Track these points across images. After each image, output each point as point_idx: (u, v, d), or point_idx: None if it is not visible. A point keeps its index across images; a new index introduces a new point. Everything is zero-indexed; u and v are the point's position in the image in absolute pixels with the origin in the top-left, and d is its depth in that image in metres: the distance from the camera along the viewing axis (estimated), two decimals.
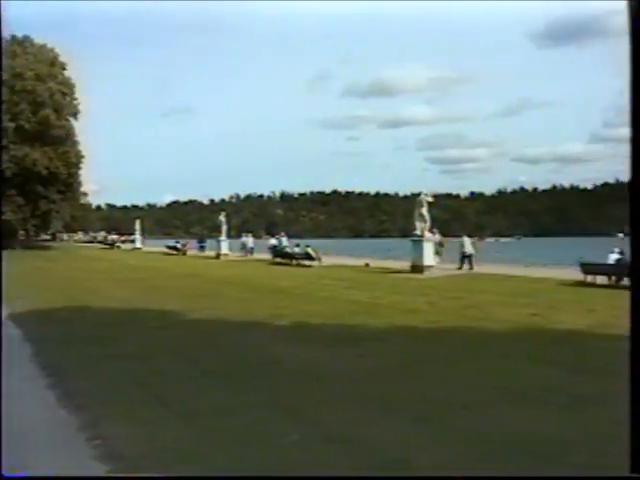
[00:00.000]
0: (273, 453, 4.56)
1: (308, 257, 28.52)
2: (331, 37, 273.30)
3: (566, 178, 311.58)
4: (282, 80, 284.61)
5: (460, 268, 24.23)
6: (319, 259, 28.34)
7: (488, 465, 4.30)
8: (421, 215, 24.27)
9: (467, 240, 24.75)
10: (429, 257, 23.67)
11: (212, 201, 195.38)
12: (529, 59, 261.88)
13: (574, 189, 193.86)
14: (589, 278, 18.77)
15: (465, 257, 24.60)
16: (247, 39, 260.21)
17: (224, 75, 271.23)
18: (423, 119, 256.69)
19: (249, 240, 41.40)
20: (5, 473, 3.22)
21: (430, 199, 25.04)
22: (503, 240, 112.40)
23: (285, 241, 36.98)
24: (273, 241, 38.50)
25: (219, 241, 39.39)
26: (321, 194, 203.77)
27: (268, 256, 34.02)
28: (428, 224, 24.21)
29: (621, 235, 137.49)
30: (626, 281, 17.99)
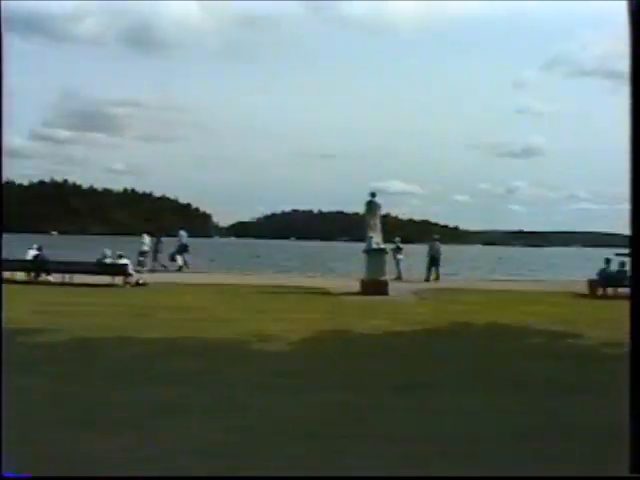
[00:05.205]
0: None
1: None
2: None
3: (6, 172, 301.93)
4: None
5: None
6: None
7: None
8: None
9: None
10: None
11: None
12: None
13: (10, 184, 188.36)
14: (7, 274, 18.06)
15: None
16: None
17: None
18: None
19: None
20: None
21: None
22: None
23: None
24: None
25: None
26: None
27: None
28: None
29: (55, 233, 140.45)
30: (44, 276, 18.06)
